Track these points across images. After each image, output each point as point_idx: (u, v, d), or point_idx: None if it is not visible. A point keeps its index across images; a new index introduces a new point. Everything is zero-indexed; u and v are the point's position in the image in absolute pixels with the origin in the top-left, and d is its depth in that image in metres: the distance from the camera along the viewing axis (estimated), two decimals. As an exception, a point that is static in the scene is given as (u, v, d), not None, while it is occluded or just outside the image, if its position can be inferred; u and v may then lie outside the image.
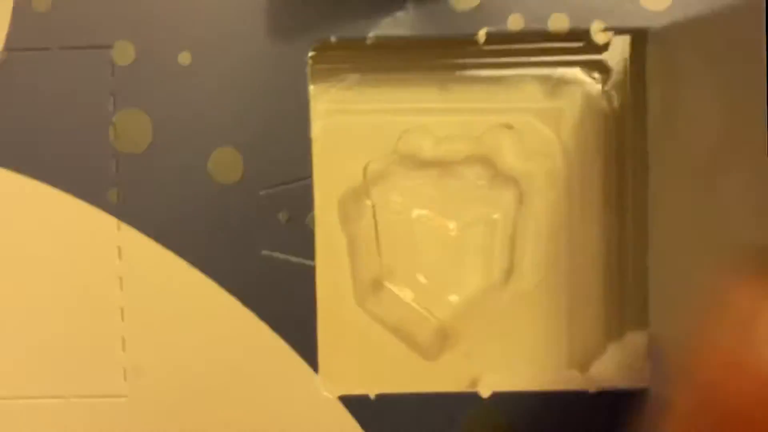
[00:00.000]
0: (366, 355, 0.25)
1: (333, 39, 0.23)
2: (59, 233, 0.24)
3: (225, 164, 0.24)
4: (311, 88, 0.24)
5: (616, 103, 0.24)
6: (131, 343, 0.24)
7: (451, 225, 0.25)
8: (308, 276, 0.24)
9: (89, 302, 0.24)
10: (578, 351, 0.24)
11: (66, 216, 0.24)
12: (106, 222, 0.24)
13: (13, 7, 0.24)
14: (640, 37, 0.23)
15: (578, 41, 0.24)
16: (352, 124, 0.25)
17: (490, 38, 0.23)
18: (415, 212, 0.25)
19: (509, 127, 0.24)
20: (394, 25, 0.23)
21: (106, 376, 0.24)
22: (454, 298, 0.25)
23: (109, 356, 0.24)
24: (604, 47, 0.24)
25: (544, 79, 0.25)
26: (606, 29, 0.23)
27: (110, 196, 0.24)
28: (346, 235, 0.25)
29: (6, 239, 0.24)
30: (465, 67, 0.25)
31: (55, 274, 0.24)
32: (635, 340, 0.23)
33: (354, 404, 0.24)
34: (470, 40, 0.23)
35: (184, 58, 0.24)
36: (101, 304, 0.24)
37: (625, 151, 0.24)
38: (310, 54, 0.23)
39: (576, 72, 0.24)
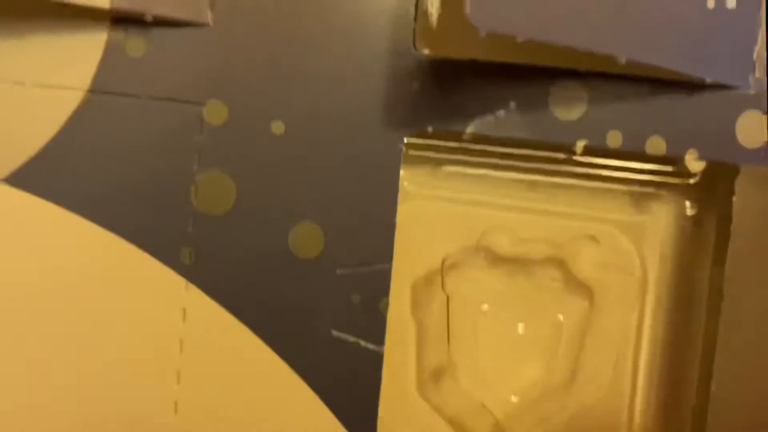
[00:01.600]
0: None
1: (429, 129, 0.23)
2: (126, 288, 0.23)
3: (305, 239, 0.23)
4: (402, 171, 0.23)
5: (699, 228, 0.24)
6: (183, 407, 0.23)
7: (519, 324, 0.25)
8: (376, 361, 0.23)
9: (147, 360, 0.23)
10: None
11: (135, 271, 0.23)
12: (175, 282, 0.23)
13: (105, 48, 0.23)
14: (731, 171, 0.24)
15: (671, 165, 0.24)
16: (435, 210, 0.25)
17: (586, 150, 0.23)
18: (485, 307, 0.25)
19: (594, 240, 0.24)
20: (495, 125, 0.23)
21: (154, 441, 0.23)
22: (514, 398, 0.25)
23: (160, 421, 0.23)
24: (695, 175, 0.24)
25: (633, 194, 0.25)
26: (699, 158, 0.23)
27: (183, 256, 0.23)
28: (415, 322, 0.25)
29: (72, 287, 0.23)
30: (556, 173, 0.25)
31: (117, 327, 0.23)
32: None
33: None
34: (568, 149, 0.23)
35: (278, 127, 0.23)
36: (158, 365, 0.23)
37: (701, 276, 0.24)
38: (406, 140, 0.23)
39: (664, 192, 0.25)
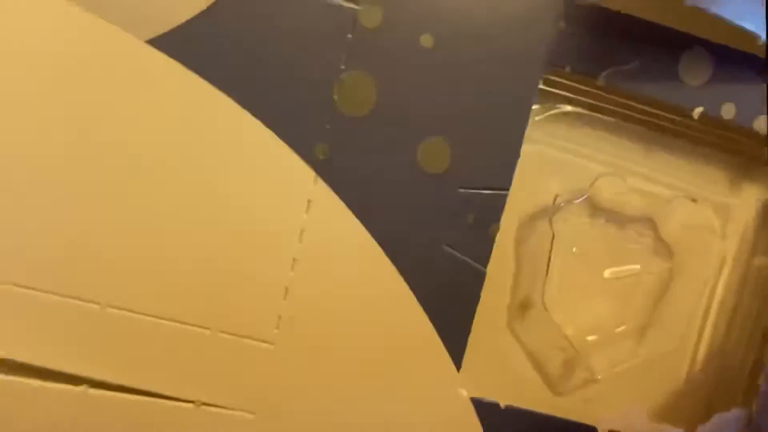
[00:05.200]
0: (503, 368, 0.26)
1: (567, 69, 0.24)
2: (257, 170, 0.23)
3: (434, 154, 0.24)
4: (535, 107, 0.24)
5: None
6: (293, 294, 0.24)
7: (605, 270, 0.26)
8: (478, 281, 0.25)
9: (265, 244, 0.24)
10: (688, 413, 0.27)
11: (268, 155, 0.23)
12: (305, 173, 0.24)
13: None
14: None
15: (770, 146, 0.26)
16: (552, 156, 0.26)
17: (702, 118, 0.25)
18: (575, 249, 0.26)
19: (694, 200, 0.26)
20: (626, 77, 0.25)
21: (258, 320, 0.24)
22: (592, 338, 0.26)
23: (268, 302, 0.24)
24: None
25: (731, 170, 0.27)
26: (797, 143, 0.26)
27: (317, 150, 0.24)
28: (515, 254, 0.26)
29: (210, 163, 0.23)
30: (672, 134, 0.26)
31: (241, 209, 0.23)
32: (737, 416, 0.26)
33: (483, 408, 0.25)
34: (685, 113, 0.25)
35: (427, 40, 0.24)
36: (276, 250, 0.24)
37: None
38: (544, 76, 0.24)
39: (758, 172, 0.27)
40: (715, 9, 0.22)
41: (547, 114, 0.26)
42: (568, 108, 0.26)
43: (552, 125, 0.26)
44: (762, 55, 0.24)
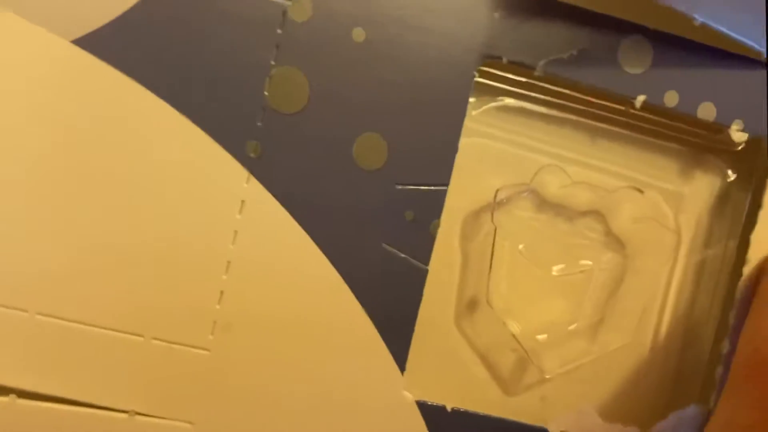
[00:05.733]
0: (451, 369, 0.25)
1: (504, 60, 0.24)
2: (187, 172, 0.23)
3: (369, 149, 0.24)
4: (473, 100, 0.24)
5: (737, 198, 0.26)
6: (228, 298, 0.23)
7: (554, 266, 0.26)
8: (420, 279, 0.24)
9: (198, 247, 0.23)
10: (644, 411, 0.26)
11: (198, 155, 0.23)
12: (237, 172, 0.23)
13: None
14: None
15: (719, 132, 0.25)
16: (494, 149, 0.26)
17: (645, 107, 0.25)
18: (522, 246, 0.26)
19: (639, 190, 0.25)
20: (565, 67, 0.24)
21: (193, 326, 0.23)
22: (542, 337, 0.26)
23: (202, 307, 0.23)
24: (737, 145, 0.26)
25: (680, 159, 0.26)
26: (744, 130, 0.25)
27: (249, 148, 0.23)
28: (461, 252, 0.25)
29: (138, 164, 0.22)
30: (614, 124, 0.26)
31: (173, 210, 0.23)
32: (695, 413, 0.25)
33: (429, 412, 0.24)
34: (627, 102, 0.24)
35: (359, 34, 0.23)
36: (209, 253, 0.23)
37: (731, 244, 0.26)
38: (480, 67, 0.24)
39: (709, 160, 0.26)
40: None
41: (486, 107, 0.25)
42: (508, 100, 0.25)
43: (494, 118, 0.26)
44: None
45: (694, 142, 0.26)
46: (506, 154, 0.26)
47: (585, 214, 0.26)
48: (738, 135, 0.25)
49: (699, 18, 0.23)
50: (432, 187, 0.24)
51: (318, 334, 0.23)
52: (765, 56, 0.24)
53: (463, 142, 0.25)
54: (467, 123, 0.25)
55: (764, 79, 0.25)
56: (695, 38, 0.24)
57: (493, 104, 0.25)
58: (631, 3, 0.24)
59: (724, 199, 0.27)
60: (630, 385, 0.26)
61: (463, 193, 0.25)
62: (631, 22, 0.24)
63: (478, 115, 0.26)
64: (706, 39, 0.24)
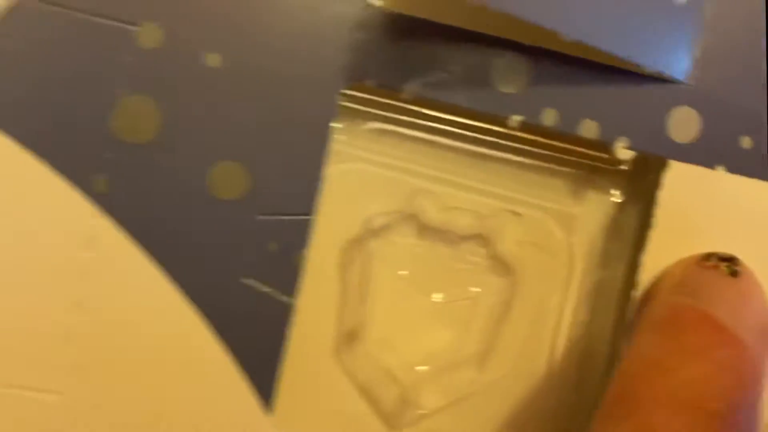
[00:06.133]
0: (330, 404, 0.24)
1: (368, 83, 0.23)
2: (29, 210, 0.22)
3: (227, 179, 0.22)
4: (336, 126, 0.23)
5: (628, 218, 0.25)
6: (78, 339, 0.22)
7: (436, 295, 0.25)
8: (285, 313, 0.23)
9: (44, 288, 0.22)
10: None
11: (41, 190, 0.22)
12: (84, 208, 0.22)
13: (39, -47, 0.22)
14: (659, 163, 0.24)
15: (604, 152, 0.24)
16: (368, 173, 0.24)
17: (523, 127, 0.23)
18: (402, 272, 0.25)
19: (517, 214, 0.24)
20: (434, 88, 0.23)
21: (43, 370, 0.22)
22: (421, 368, 0.24)
23: (52, 349, 0.22)
24: (624, 162, 0.24)
25: (566, 179, 0.25)
26: (629, 147, 0.24)
27: (96, 182, 0.22)
28: (340, 281, 0.24)
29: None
30: (493, 146, 0.25)
31: (15, 252, 0.22)
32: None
33: (301, 455, 0.23)
34: (503, 123, 0.23)
35: (213, 59, 0.22)
36: (57, 294, 0.22)
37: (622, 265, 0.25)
38: (343, 90, 0.23)
39: (597, 179, 0.25)
40: (508, 7, 0.20)
41: (359, 130, 0.24)
42: (381, 124, 0.24)
43: (370, 141, 0.24)
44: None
45: (581, 162, 0.25)
46: (385, 179, 0.25)
47: (467, 238, 0.25)
48: (623, 153, 0.24)
49: (570, 36, 0.21)
50: (296, 217, 0.23)
51: (174, 376, 0.22)
52: (647, 70, 0.23)
53: (338, 167, 0.24)
54: (341, 148, 0.24)
55: (651, 95, 0.24)
56: (576, 54, 0.23)
57: (366, 128, 0.24)
58: (504, 20, 0.22)
59: (617, 219, 0.25)
60: (523, 417, 0.25)
61: (339, 220, 0.24)
62: (506, 39, 0.23)
63: (352, 140, 0.24)
64: (588, 54, 0.23)
